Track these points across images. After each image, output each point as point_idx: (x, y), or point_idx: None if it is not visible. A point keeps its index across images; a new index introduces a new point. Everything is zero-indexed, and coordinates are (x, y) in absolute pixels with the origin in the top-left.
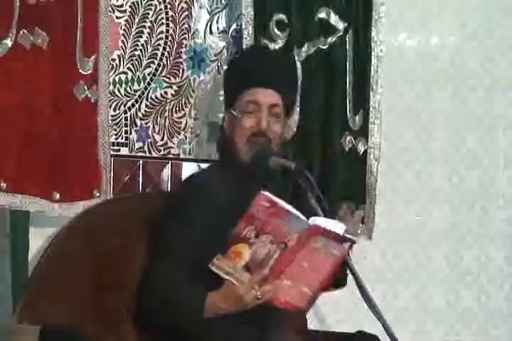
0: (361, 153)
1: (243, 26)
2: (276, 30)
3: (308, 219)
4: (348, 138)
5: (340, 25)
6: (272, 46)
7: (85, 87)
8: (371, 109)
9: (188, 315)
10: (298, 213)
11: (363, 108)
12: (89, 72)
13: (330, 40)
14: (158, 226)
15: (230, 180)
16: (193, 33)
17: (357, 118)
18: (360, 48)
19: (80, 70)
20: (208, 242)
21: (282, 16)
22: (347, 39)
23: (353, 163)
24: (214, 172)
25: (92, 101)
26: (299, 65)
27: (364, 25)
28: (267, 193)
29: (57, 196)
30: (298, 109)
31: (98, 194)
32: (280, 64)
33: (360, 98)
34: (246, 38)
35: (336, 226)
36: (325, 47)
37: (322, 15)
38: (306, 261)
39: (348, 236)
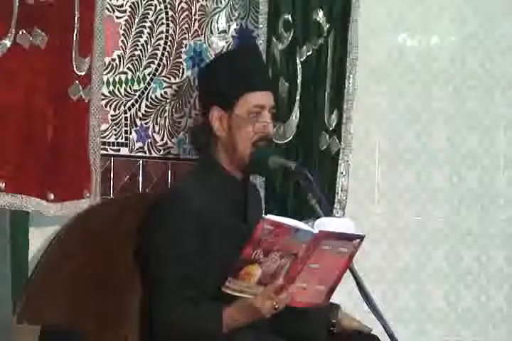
0: (334, 153)
1: (260, 25)
2: (283, 30)
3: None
4: (324, 137)
5: (326, 27)
6: (279, 46)
7: (80, 87)
8: (344, 109)
9: (208, 335)
10: (302, 225)
11: (337, 108)
12: (85, 72)
13: (320, 41)
14: (150, 252)
15: (220, 186)
16: (193, 33)
17: (332, 118)
18: (337, 50)
19: (76, 70)
20: (209, 260)
21: (288, 17)
22: (329, 40)
23: (327, 162)
24: (202, 182)
25: (86, 101)
26: (299, 65)
27: (342, 28)
28: (269, 216)
29: (51, 196)
30: (298, 110)
31: (88, 194)
32: (266, 64)
33: (336, 98)
34: (259, 36)
35: (343, 225)
36: (316, 47)
37: (315, 16)
38: (318, 264)
39: (354, 234)
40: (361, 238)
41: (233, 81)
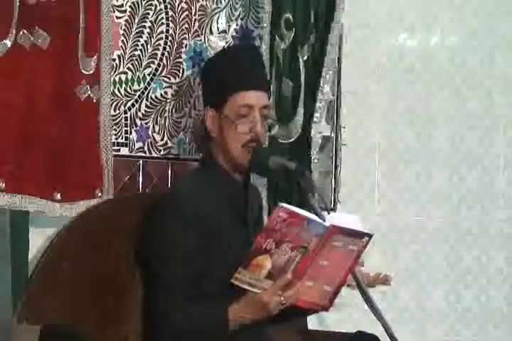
0: None
1: (264, 24)
2: (284, 29)
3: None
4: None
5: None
6: (282, 45)
7: (87, 87)
8: (316, 109)
9: (212, 332)
10: (314, 217)
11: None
12: (91, 71)
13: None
14: (151, 252)
15: (220, 187)
16: (193, 33)
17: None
18: (316, 50)
19: (82, 70)
20: (208, 260)
21: (289, 16)
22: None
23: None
24: (202, 183)
25: (94, 100)
26: (302, 64)
27: (325, 28)
28: (284, 205)
29: (58, 196)
30: (302, 110)
31: (100, 194)
32: (262, 63)
33: (310, 99)
34: (264, 36)
35: (353, 221)
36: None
37: (310, 15)
38: (327, 260)
39: (364, 231)
40: (370, 236)
41: (222, 81)
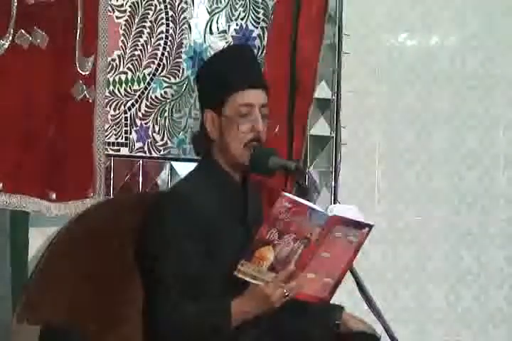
0: None
1: None
2: None
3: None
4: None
5: None
6: None
7: (84, 87)
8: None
9: (216, 329)
10: (316, 207)
11: None
12: (88, 72)
13: None
14: (150, 252)
15: (219, 187)
16: (193, 33)
17: None
18: None
19: (79, 70)
20: (208, 259)
21: None
22: None
23: None
24: (201, 183)
25: (90, 101)
26: None
27: None
28: (287, 194)
29: (53, 196)
30: None
31: (92, 194)
32: (258, 62)
33: None
34: None
35: (354, 212)
36: None
37: None
38: (328, 252)
39: (365, 222)
40: (370, 227)
41: (219, 82)
